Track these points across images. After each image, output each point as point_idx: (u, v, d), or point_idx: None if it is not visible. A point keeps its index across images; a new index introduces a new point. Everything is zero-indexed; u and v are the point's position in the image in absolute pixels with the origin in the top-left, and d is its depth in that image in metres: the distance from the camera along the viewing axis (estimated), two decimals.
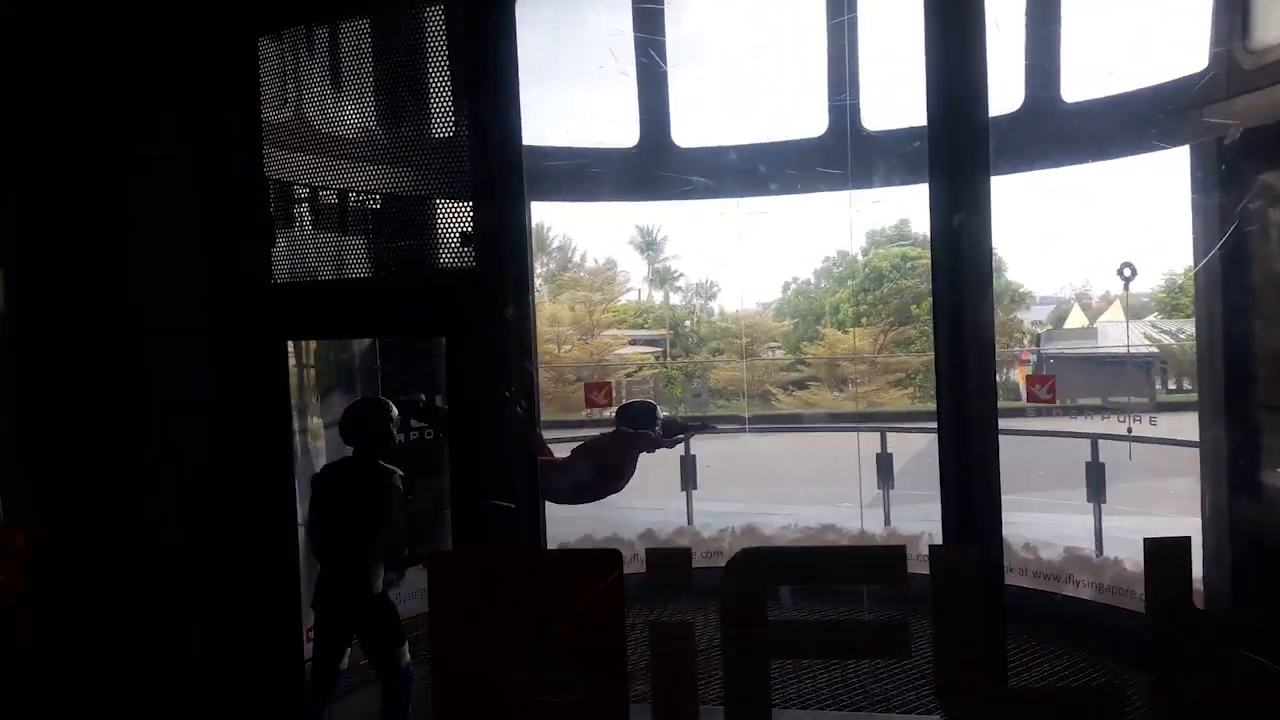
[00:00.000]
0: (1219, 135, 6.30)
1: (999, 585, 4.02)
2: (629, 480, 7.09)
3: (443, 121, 4.43)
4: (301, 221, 4.83)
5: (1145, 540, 3.20)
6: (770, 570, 3.66)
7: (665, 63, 7.98)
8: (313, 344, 6.91)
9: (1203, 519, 6.48)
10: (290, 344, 6.48)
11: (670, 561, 3.59)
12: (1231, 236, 6.18)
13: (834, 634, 4.02)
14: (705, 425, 8.75)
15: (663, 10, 7.93)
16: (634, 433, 7.03)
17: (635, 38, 8.07)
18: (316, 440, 6.64)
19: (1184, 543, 3.18)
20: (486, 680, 3.39)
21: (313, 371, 6.86)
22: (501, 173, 4.24)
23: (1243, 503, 6.17)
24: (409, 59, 4.51)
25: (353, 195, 4.76)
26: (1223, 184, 6.34)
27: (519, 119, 4.31)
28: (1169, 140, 6.75)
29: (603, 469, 6.91)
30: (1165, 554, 3.18)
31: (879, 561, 3.69)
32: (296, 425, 6.47)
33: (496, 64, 4.25)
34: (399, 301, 4.48)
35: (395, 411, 5.34)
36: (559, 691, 3.38)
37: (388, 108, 4.62)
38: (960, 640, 3.26)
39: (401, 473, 5.23)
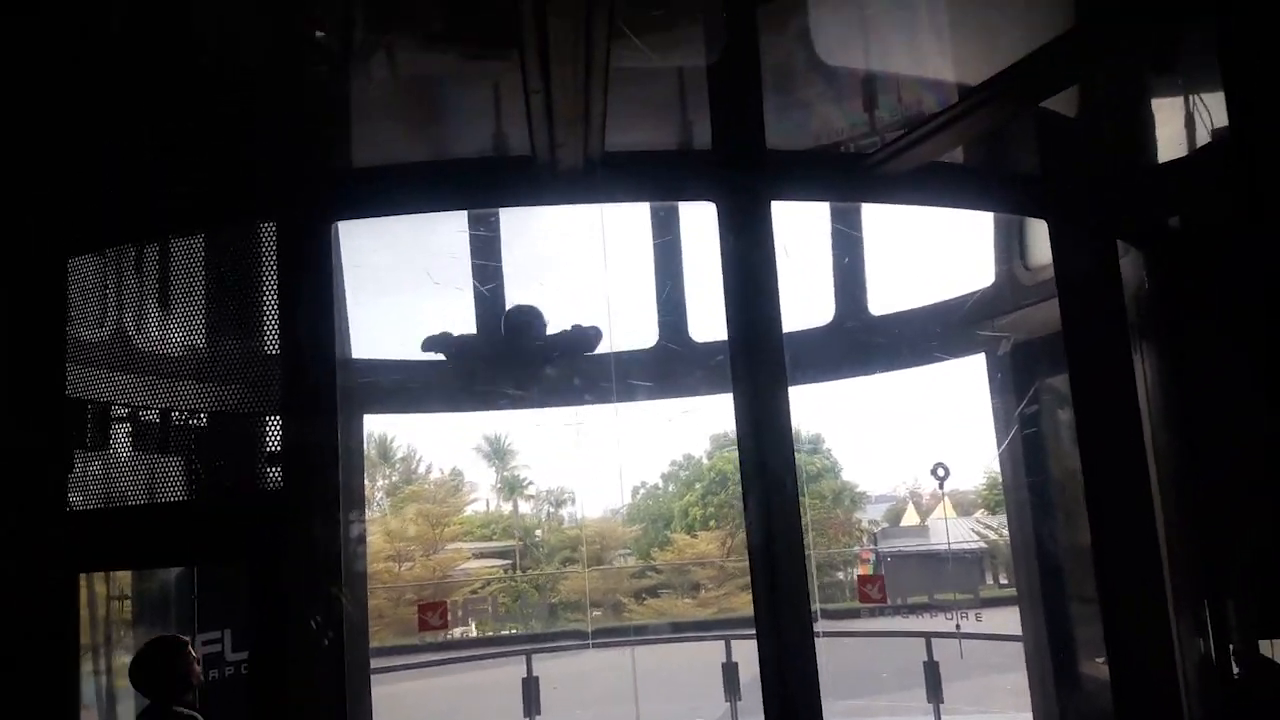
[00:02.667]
0: (998, 345, 6.88)
1: None
2: None
3: (262, 337, 4.38)
4: (109, 442, 4.58)
5: None
6: None
7: (502, 280, 8.15)
8: (124, 575, 6.41)
9: (1034, 714, 6.57)
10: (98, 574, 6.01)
11: None
12: (1021, 437, 6.63)
13: None
14: None
15: (498, 237, 8.20)
16: None
17: (472, 263, 8.27)
18: (123, 682, 6.02)
19: None
20: None
21: (122, 603, 6.30)
22: (316, 389, 4.18)
23: (1067, 694, 6.31)
24: (231, 275, 4.50)
25: (167, 413, 4.58)
26: (1013, 389, 6.86)
27: (333, 336, 4.30)
28: (955, 351, 7.35)
29: None
30: None
31: None
32: (100, 665, 5.88)
33: (316, 280, 4.27)
34: (201, 528, 4.22)
35: (191, 649, 4.86)
36: None
37: (202, 324, 4.54)
38: None
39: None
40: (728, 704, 9.22)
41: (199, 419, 4.55)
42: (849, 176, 4.76)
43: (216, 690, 5.02)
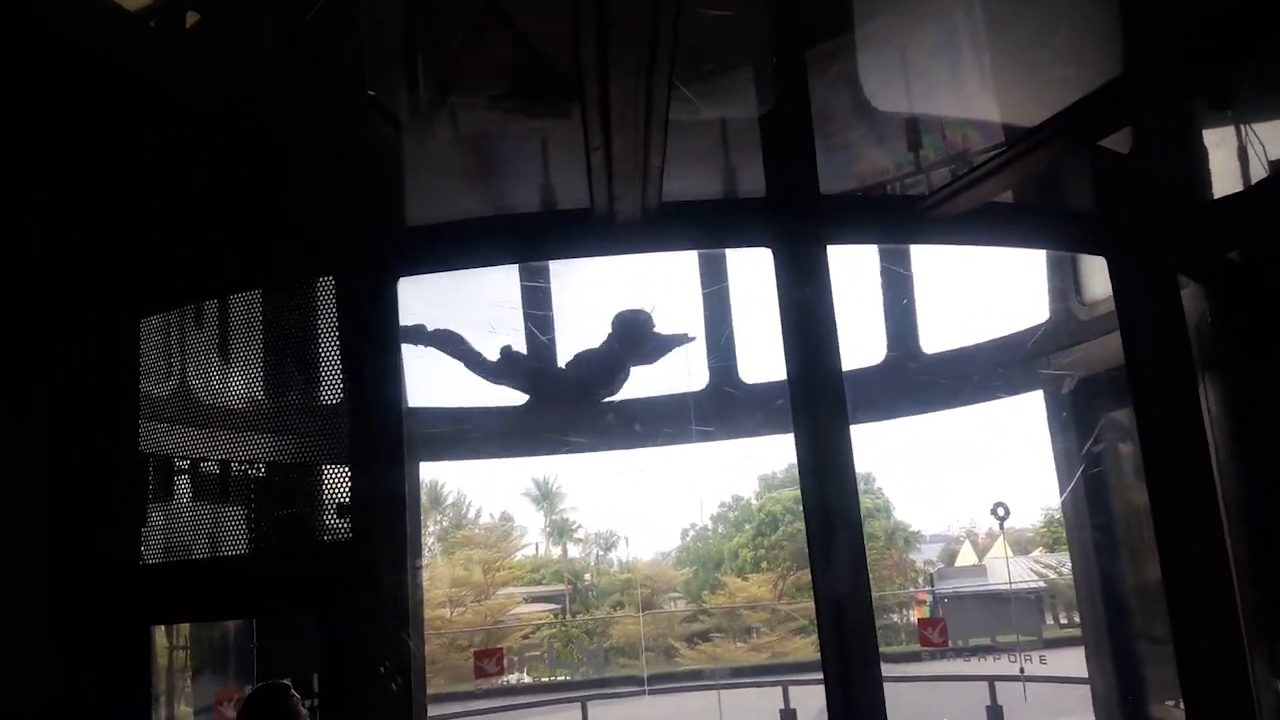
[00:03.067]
0: (1059, 382, 6.81)
1: None
2: None
3: (327, 390, 4.48)
4: (178, 495, 4.69)
5: None
6: None
7: (553, 330, 8.26)
8: (185, 625, 6.52)
9: None
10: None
11: None
12: (1087, 475, 6.53)
13: None
14: None
15: (549, 287, 8.33)
16: None
17: (524, 313, 8.40)
18: None
19: None
20: None
21: (183, 653, 6.40)
22: (382, 440, 4.26)
23: None
24: (296, 330, 4.61)
25: (233, 465, 4.68)
26: (1074, 425, 6.78)
27: (400, 389, 4.40)
28: (1011, 389, 7.29)
29: None
30: None
31: None
32: (162, 716, 5.98)
33: (380, 336, 4.37)
34: (270, 580, 4.30)
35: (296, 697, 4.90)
36: None
37: (273, 377, 4.66)
38: None
39: None
40: None
41: (269, 472, 4.65)
42: (903, 219, 4.80)
43: None
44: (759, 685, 9.81)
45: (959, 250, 7.85)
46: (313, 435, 4.49)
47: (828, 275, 4.23)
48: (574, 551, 39.78)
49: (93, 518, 4.47)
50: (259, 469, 4.65)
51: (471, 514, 39.01)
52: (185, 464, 4.72)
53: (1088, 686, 6.71)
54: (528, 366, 7.41)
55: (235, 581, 4.44)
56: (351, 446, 4.31)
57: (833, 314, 4.22)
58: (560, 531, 39.98)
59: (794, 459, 4.38)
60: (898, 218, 4.84)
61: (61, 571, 4.37)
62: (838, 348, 4.24)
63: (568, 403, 7.62)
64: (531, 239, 4.87)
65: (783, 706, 9.42)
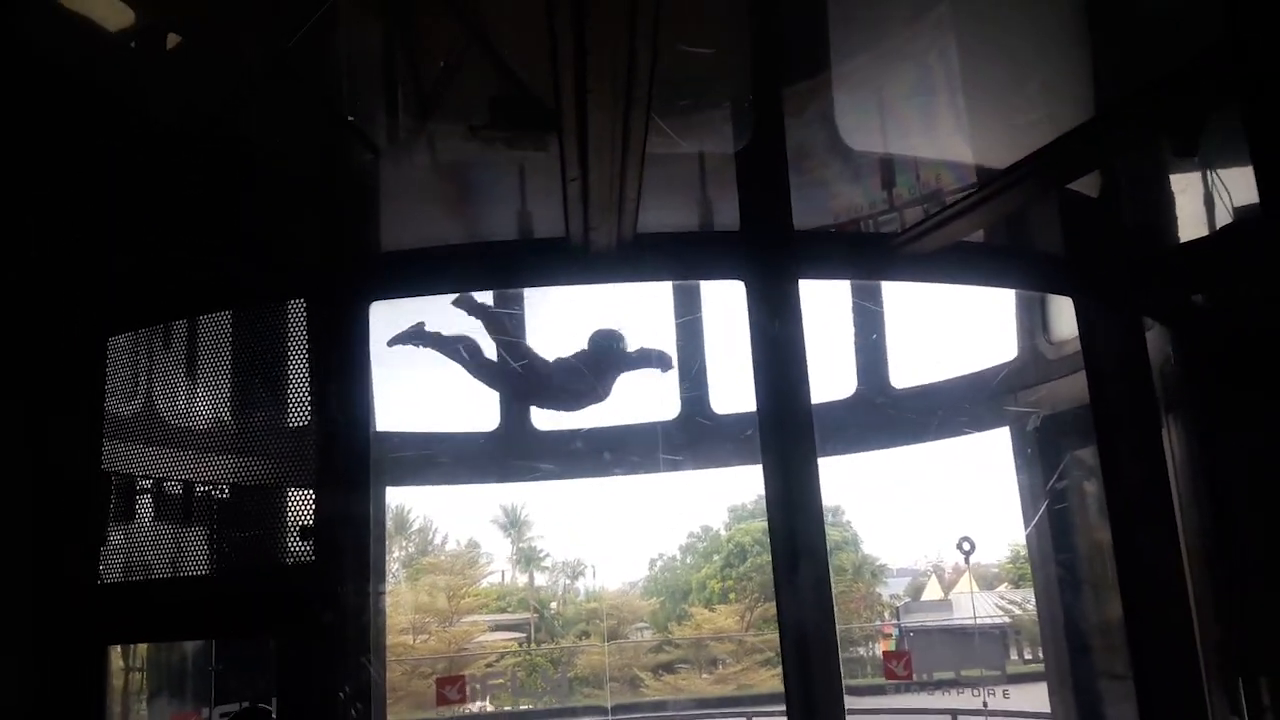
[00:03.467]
0: (1025, 420, 6.89)
1: None
2: None
3: (293, 412, 4.45)
4: (139, 515, 4.63)
5: None
6: None
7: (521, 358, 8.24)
8: (142, 646, 6.40)
9: None
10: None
11: None
12: (1051, 510, 6.60)
13: None
14: None
15: (522, 314, 8.32)
16: None
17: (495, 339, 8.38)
18: None
19: None
20: None
21: (139, 675, 6.28)
22: (348, 463, 4.24)
23: None
24: (264, 352, 4.59)
25: (196, 486, 4.63)
26: (1040, 461, 6.84)
27: (369, 412, 4.38)
28: (979, 425, 7.37)
29: None
30: None
31: None
32: None
33: (350, 359, 4.35)
34: (231, 600, 4.25)
35: None
36: None
37: (239, 398, 4.62)
38: None
39: None
40: None
41: (232, 493, 4.60)
42: (875, 255, 4.87)
43: None
44: (724, 717, 9.73)
45: (930, 288, 8.01)
46: (278, 457, 4.47)
47: (799, 309, 4.27)
48: (541, 580, 39.43)
49: (51, 536, 4.40)
50: (222, 490, 4.61)
51: (438, 540, 38.61)
52: (148, 483, 4.66)
53: None
54: (527, 364, 7.47)
55: (195, 602, 4.39)
56: (318, 468, 4.29)
57: (803, 347, 4.26)
58: (527, 560, 39.64)
59: (763, 490, 4.41)
60: (870, 254, 4.90)
61: (19, 589, 4.29)
62: (808, 380, 4.28)
63: (556, 397, 7.65)
64: (506, 266, 4.88)
65: None
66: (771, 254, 4.52)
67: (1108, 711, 6.17)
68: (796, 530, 4.25)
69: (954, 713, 8.18)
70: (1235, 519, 5.23)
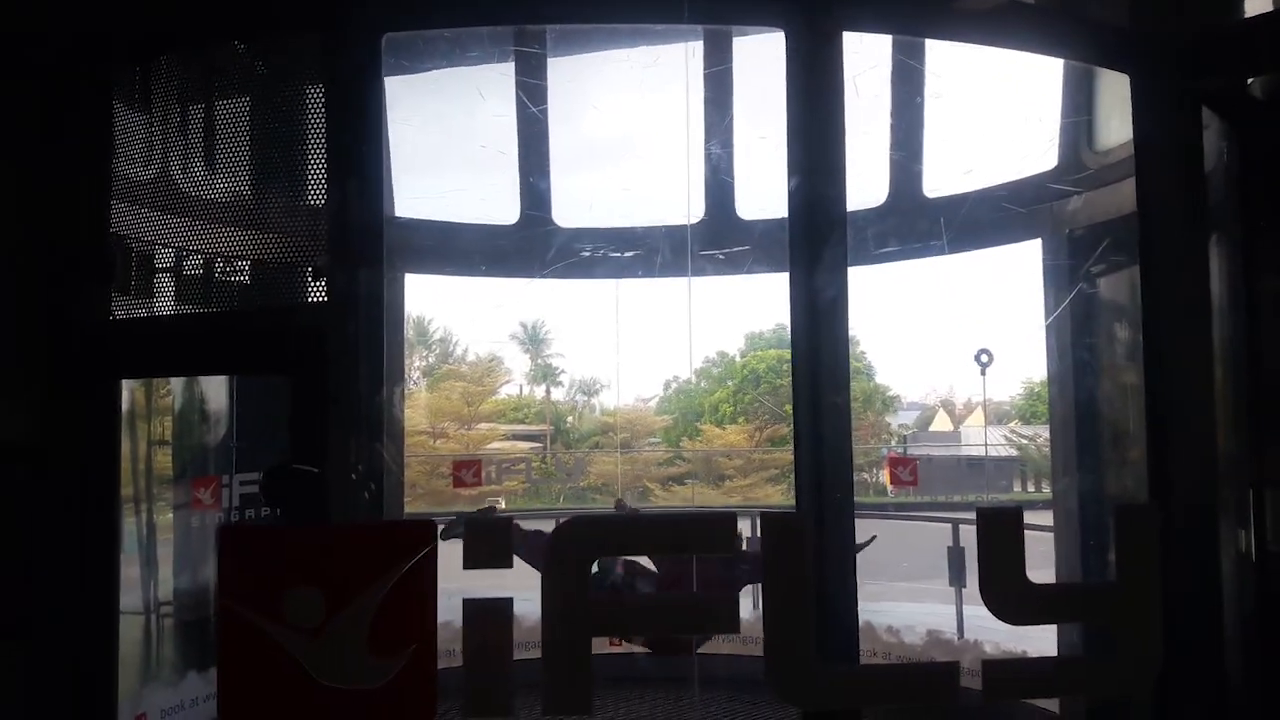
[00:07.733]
0: (1067, 230, 6.65)
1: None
2: None
3: (309, 189, 4.30)
4: (150, 248, 4.58)
5: (977, 510, 3.61)
6: (594, 539, 3.46)
7: (546, 101, 7.91)
8: (166, 423, 6.46)
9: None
10: (140, 425, 6.09)
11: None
12: (1074, 318, 6.49)
13: (658, 610, 4.01)
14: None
15: (546, 86, 7.95)
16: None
17: (518, 116, 8.05)
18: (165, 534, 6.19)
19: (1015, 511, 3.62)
20: (281, 671, 3.00)
21: (163, 452, 6.43)
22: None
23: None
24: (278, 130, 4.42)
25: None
26: (1072, 276, 6.66)
27: (380, 188, 4.24)
28: (1010, 237, 7.17)
29: None
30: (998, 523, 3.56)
31: (711, 529, 3.48)
32: (141, 518, 6.06)
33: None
34: (243, 336, 4.25)
35: None
36: (361, 679, 3.03)
37: (255, 172, 4.48)
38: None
39: None
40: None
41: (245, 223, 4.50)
42: (926, 8, 4.45)
43: None
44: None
45: (970, 88, 7.58)
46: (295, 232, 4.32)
47: (841, 65, 3.95)
48: (557, 394, 40.23)
49: (61, 270, 4.34)
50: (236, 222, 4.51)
51: (459, 351, 39.26)
52: (159, 216, 4.57)
53: (1051, 536, 6.79)
54: None
55: (206, 335, 4.42)
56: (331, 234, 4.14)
57: (842, 111, 3.98)
58: (545, 375, 40.32)
59: (782, 320, 4.24)
60: (920, 6, 4.50)
61: (28, 325, 4.28)
62: (844, 149, 4.02)
63: None
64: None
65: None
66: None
67: (1111, 541, 6.22)
68: (820, 326, 4.07)
69: (955, 521, 8.33)
70: (1267, 338, 5.07)
